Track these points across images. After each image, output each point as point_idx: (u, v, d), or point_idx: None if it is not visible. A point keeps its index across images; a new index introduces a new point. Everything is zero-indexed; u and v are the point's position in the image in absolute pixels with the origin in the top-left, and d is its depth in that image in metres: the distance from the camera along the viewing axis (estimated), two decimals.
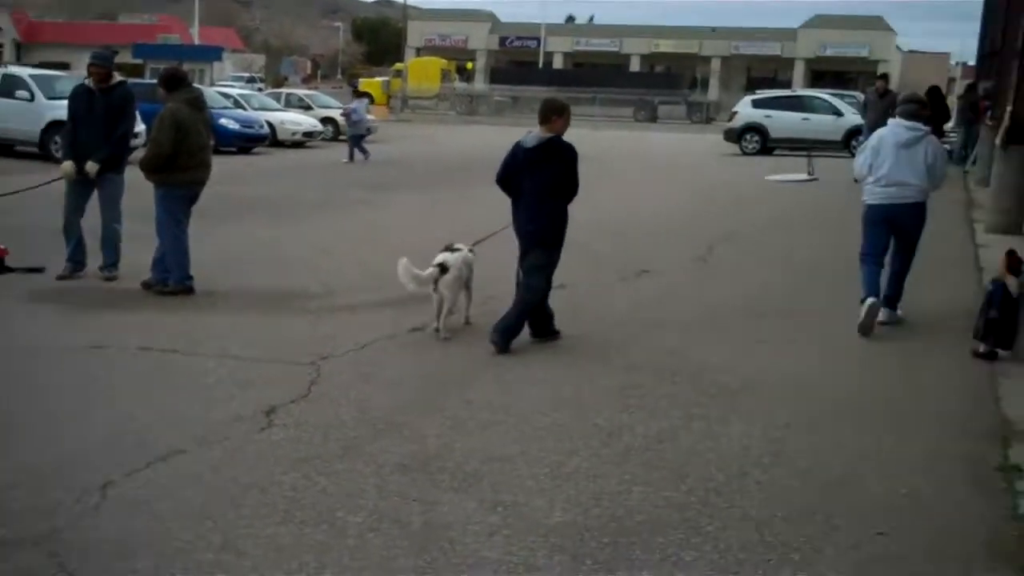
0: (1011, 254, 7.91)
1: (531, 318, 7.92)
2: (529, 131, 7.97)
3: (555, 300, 9.41)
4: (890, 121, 8.92)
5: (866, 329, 8.28)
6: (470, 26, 79.81)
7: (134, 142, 10.69)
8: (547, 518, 4.72)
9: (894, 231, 8.66)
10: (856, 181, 9.35)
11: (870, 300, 8.35)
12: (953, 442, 5.80)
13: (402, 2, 76.10)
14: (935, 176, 8.59)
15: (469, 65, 69.22)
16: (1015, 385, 6.92)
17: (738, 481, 5.21)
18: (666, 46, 75.92)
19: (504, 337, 7.61)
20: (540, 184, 7.75)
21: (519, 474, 5.25)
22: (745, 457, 5.55)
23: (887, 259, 8.76)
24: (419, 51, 76.64)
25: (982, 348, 7.60)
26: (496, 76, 66.05)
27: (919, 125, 8.60)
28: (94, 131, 9.69)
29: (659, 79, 64.71)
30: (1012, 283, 7.65)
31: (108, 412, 6.01)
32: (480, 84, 67.02)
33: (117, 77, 9.97)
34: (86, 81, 10.05)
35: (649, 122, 54.07)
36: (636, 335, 8.26)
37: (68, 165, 9.80)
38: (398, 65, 65.77)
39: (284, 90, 37.80)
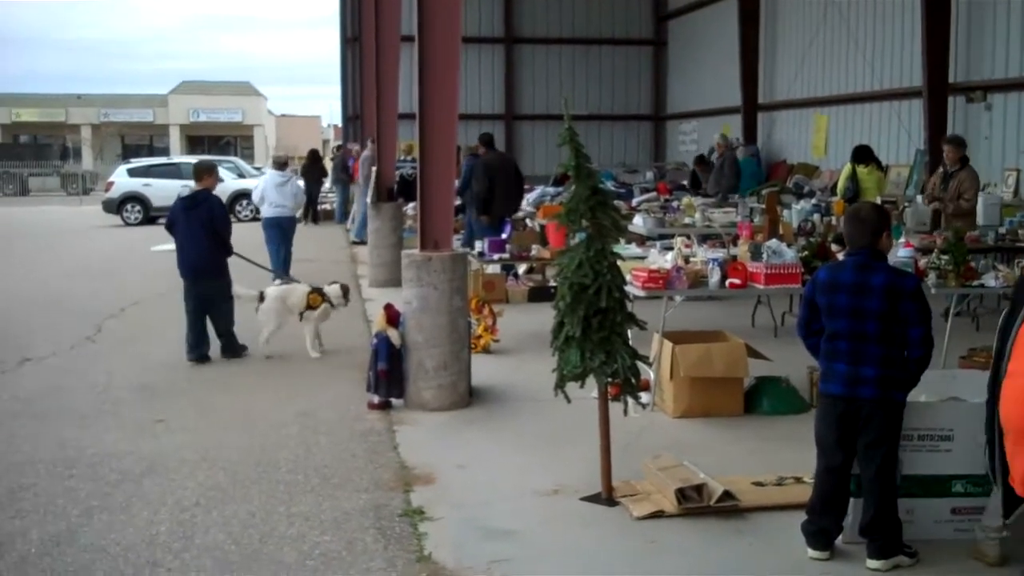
0: (388, 307, 8.43)
1: None
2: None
3: None
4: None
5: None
6: None
7: None
8: None
9: None
10: None
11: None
12: (360, 496, 6.04)
13: None
14: None
15: None
16: (410, 431, 7.39)
17: (148, 570, 5.00)
18: (29, 115, 71.71)
19: None
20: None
21: None
22: (154, 544, 5.35)
23: None
24: None
25: (376, 399, 8.02)
26: None
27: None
28: None
29: (26, 150, 60.98)
30: (394, 335, 8.15)
31: None
32: None
33: None
34: None
35: (20, 195, 50.67)
36: (23, 430, 7.63)
37: None
38: None
39: None
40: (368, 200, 16.60)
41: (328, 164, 30.06)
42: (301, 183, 25.47)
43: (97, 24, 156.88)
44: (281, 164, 16.40)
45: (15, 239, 25.69)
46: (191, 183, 29.08)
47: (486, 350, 9.92)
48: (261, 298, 10.30)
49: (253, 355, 10.21)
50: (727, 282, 8.46)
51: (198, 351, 10.08)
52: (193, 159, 34.56)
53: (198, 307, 10.17)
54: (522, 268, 14.03)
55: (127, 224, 28.51)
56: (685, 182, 22.64)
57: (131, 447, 7.11)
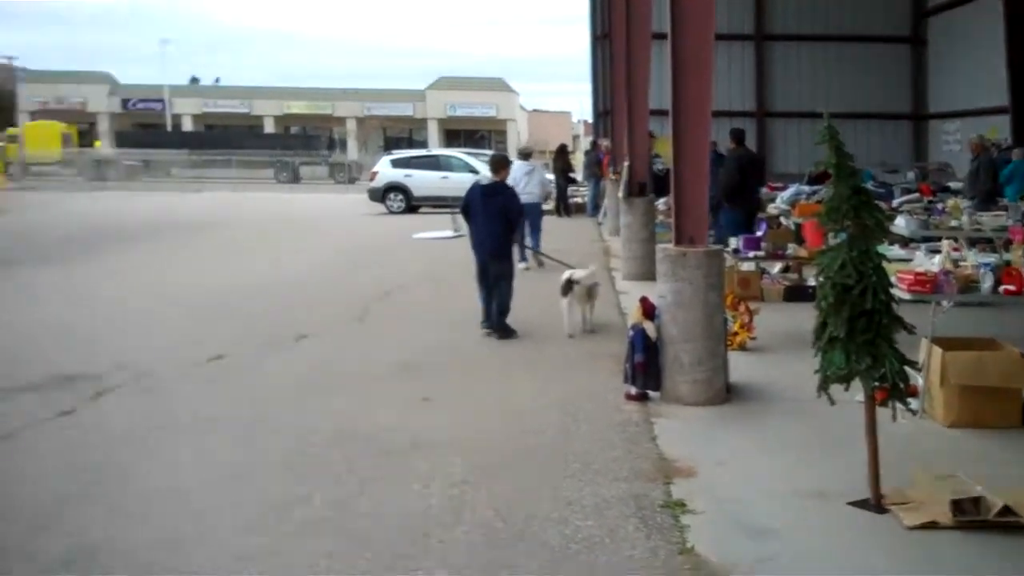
0: (644, 300, 8.49)
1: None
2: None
3: (213, 371, 9.18)
4: None
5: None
6: (88, 88, 76.03)
7: None
8: None
9: None
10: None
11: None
12: (620, 484, 6.11)
13: (7, 63, 71.55)
14: None
15: (97, 143, 65.68)
16: (668, 424, 7.41)
17: (422, 542, 5.24)
18: (298, 107, 75.89)
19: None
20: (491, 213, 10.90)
21: (195, 558, 5.02)
22: (426, 516, 5.59)
23: None
24: (33, 115, 72.11)
25: (633, 391, 8.09)
26: (123, 140, 63.24)
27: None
28: None
29: (297, 140, 64.34)
30: (650, 328, 8.20)
31: None
32: (107, 148, 63.86)
33: None
34: None
35: (292, 183, 53.76)
36: (302, 401, 8.14)
37: None
38: (11, 130, 61.58)
39: None
40: (620, 195, 16.77)
41: (580, 159, 30.47)
42: (550, 175, 26.01)
43: (363, 22, 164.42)
44: (525, 154, 17.44)
45: (290, 224, 27.33)
46: (449, 175, 30.19)
47: (742, 347, 9.80)
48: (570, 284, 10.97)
49: (519, 340, 10.58)
50: (1001, 288, 8.05)
51: (489, 322, 11.03)
52: (450, 152, 35.74)
53: (487, 284, 11.05)
54: (776, 267, 13.79)
55: (390, 212, 29.79)
56: (951, 184, 21.57)
57: (400, 423, 7.45)
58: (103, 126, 72.60)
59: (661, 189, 17.58)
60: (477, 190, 11.28)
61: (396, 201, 30.22)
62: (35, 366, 9.29)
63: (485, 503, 5.81)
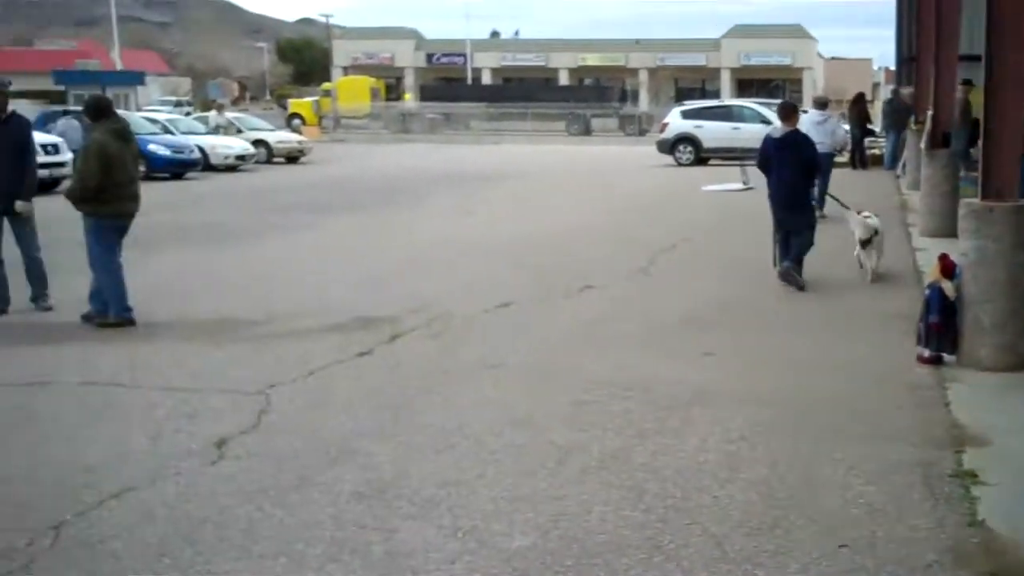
0: (944, 258, 8.02)
1: None
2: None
3: (500, 318, 9.47)
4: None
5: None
6: (395, 44, 79.70)
7: (62, 171, 10.54)
8: (508, 542, 4.70)
9: None
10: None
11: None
12: (907, 450, 5.86)
13: (324, 21, 75.88)
14: None
15: (407, 96, 68.80)
16: (963, 389, 7.02)
17: (696, 496, 5.23)
18: (593, 59, 76.48)
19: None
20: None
21: (477, 498, 5.22)
22: (701, 472, 5.57)
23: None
24: (346, 70, 76.35)
25: (927, 353, 7.70)
26: (426, 93, 65.96)
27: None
28: (2, 165, 9.39)
29: (589, 92, 64.94)
30: (948, 287, 7.76)
31: (56, 449, 5.87)
32: (411, 102, 66.80)
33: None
34: None
35: (583, 135, 54.37)
36: (584, 351, 8.27)
37: None
38: (326, 85, 65.47)
39: (211, 113, 37.41)
40: (922, 146, 15.90)
41: (879, 108, 29.07)
42: (845, 125, 24.94)
43: None
44: (821, 104, 17.07)
45: (580, 175, 27.70)
46: (741, 126, 29.60)
47: None
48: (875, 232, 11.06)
49: (807, 295, 10.36)
50: None
51: (784, 267, 10.93)
52: (743, 102, 34.99)
53: (785, 236, 10.96)
54: None
55: (679, 164, 29.57)
56: None
57: (680, 376, 7.44)
58: (408, 80, 75.89)
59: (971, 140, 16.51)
60: (770, 143, 11.15)
61: (685, 153, 29.93)
62: (341, 308, 9.90)
63: (762, 461, 5.72)
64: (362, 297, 10.50)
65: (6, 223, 9.60)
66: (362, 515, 4.98)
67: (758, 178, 21.73)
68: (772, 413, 6.59)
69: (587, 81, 74.78)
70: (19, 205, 9.45)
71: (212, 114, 34.30)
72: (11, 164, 9.42)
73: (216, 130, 31.42)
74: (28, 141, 9.75)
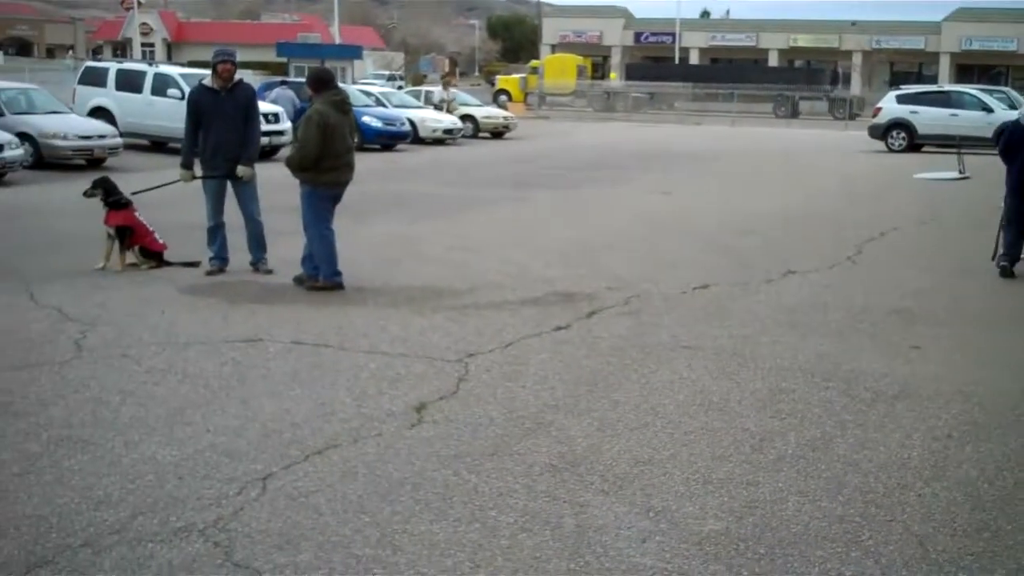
0: None
1: None
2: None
3: (698, 300, 9.37)
4: None
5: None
6: (604, 22, 79.47)
7: (281, 139, 10.99)
8: (700, 525, 4.65)
9: None
10: None
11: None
12: None
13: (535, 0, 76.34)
14: None
15: (613, 76, 68.58)
16: None
17: (898, 493, 5.05)
18: (805, 40, 74.32)
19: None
20: None
21: (670, 478, 5.19)
22: (905, 468, 5.38)
23: None
24: (554, 48, 76.73)
25: None
26: (632, 72, 65.62)
27: None
28: (227, 131, 9.89)
29: (799, 74, 63.15)
30: None
31: (265, 404, 6.15)
32: (616, 80, 66.59)
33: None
34: (204, 81, 10.28)
35: (790, 118, 53.05)
36: (784, 338, 8.08)
37: (186, 173, 10.12)
38: (534, 62, 65.99)
39: (424, 88, 38.21)
40: None
41: None
42: None
43: None
44: None
45: (785, 158, 27.06)
46: (959, 112, 28.33)
47: None
48: None
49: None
50: None
51: (1005, 259, 10.74)
52: (963, 88, 33.37)
53: (1018, 230, 10.70)
54: None
55: (891, 150, 28.52)
56: None
57: (886, 368, 7.19)
58: (615, 59, 75.66)
59: None
60: (1018, 131, 10.78)
61: (898, 139, 28.82)
62: (539, 282, 10.00)
63: (970, 461, 5.47)
64: (561, 272, 10.57)
65: (229, 187, 10.10)
66: (554, 487, 5.03)
67: (977, 167, 20.84)
68: (982, 412, 6.30)
69: (798, 63, 72.80)
70: (241, 170, 9.93)
71: (438, 88, 35.01)
72: (236, 130, 9.91)
73: (441, 104, 32.08)
74: (253, 109, 10.20)
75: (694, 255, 11.88)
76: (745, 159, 27.03)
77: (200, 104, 9.99)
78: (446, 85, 35.46)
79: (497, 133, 34.20)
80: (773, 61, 73.51)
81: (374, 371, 6.90)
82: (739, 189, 19.53)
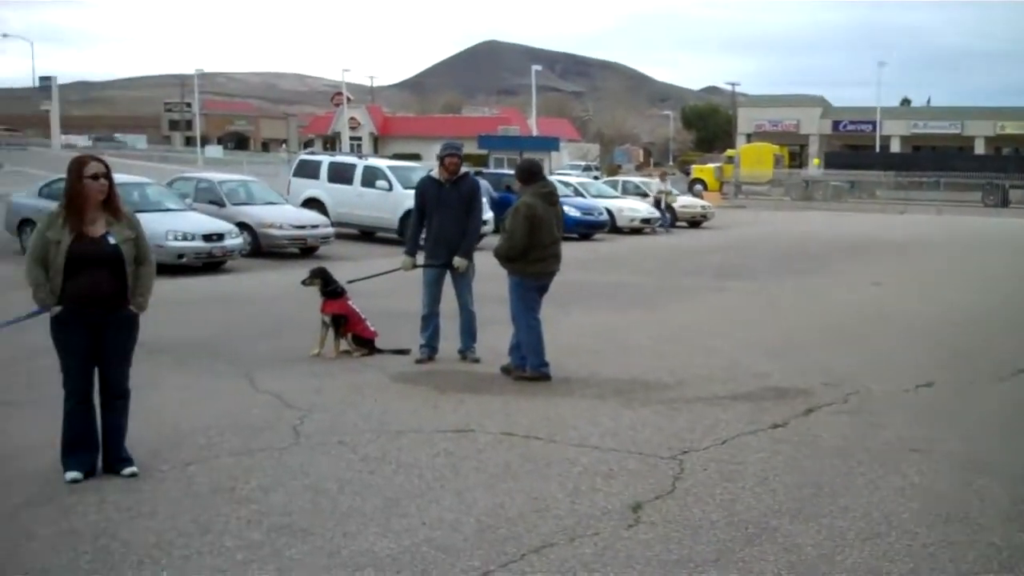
0: None
1: None
2: None
3: (923, 398, 8.87)
4: None
5: None
6: (801, 111, 78.53)
7: (483, 228, 11.10)
8: None
9: None
10: None
11: None
12: None
13: (730, 89, 76.20)
14: None
15: (816, 161, 67.34)
16: None
17: None
18: (1013, 127, 71.45)
19: None
20: None
21: None
22: None
23: None
24: (749, 137, 76.21)
25: None
26: (831, 160, 64.33)
27: None
28: (448, 222, 10.04)
29: (1008, 162, 60.47)
30: None
31: (479, 498, 6.07)
32: (814, 170, 65.40)
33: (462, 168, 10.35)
34: (432, 173, 10.51)
35: (1000, 207, 50.71)
36: (1016, 440, 7.52)
37: (408, 261, 10.28)
38: (730, 151, 65.56)
39: (620, 178, 38.34)
40: None
41: None
42: None
43: None
44: None
45: (999, 248, 25.80)
46: None
47: None
48: None
49: None
50: None
51: None
52: None
53: None
54: None
55: None
56: None
57: None
58: (813, 148, 74.50)
59: None
60: None
61: None
62: (751, 376, 9.69)
63: None
64: (772, 366, 10.22)
65: (448, 276, 10.23)
66: None
67: None
68: None
69: (1005, 150, 69.89)
70: (457, 261, 10.04)
71: (656, 181, 34.96)
72: (458, 221, 10.06)
73: (659, 195, 32.02)
74: (476, 201, 10.33)
75: (912, 350, 11.32)
76: (956, 248, 25.91)
77: (426, 195, 10.22)
78: (663, 176, 35.26)
79: (695, 222, 33.95)
80: (979, 149, 70.87)
81: (586, 466, 6.74)
82: (954, 279, 18.67)
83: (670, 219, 32.03)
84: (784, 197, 56.53)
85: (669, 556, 5.23)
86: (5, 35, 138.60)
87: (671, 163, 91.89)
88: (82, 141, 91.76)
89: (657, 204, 31.87)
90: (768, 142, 68.34)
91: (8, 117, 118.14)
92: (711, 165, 63.10)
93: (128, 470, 6.33)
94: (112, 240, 6.18)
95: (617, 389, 9.10)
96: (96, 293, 6.15)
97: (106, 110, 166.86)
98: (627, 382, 9.42)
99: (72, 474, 6.20)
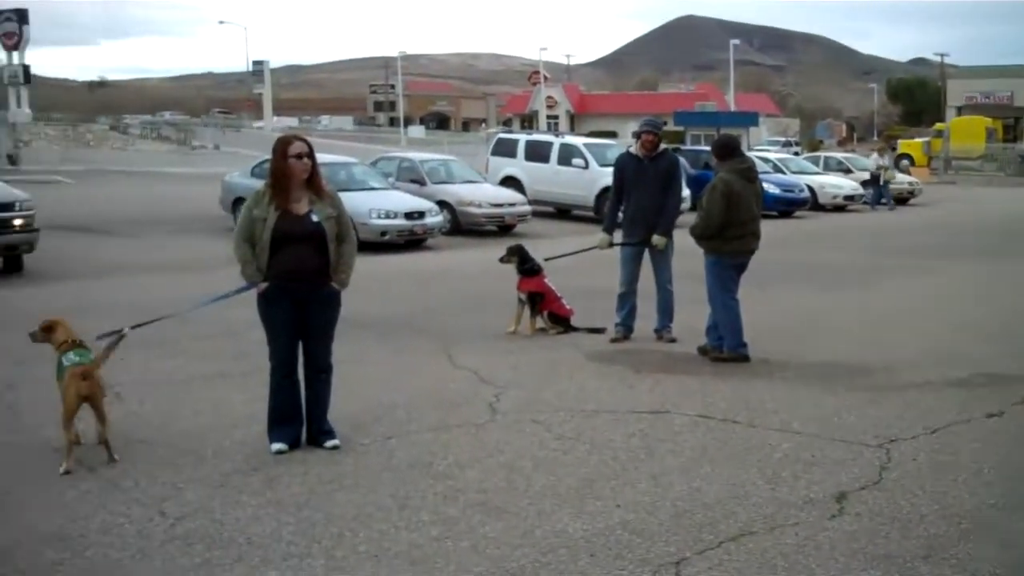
0: None
1: None
2: None
3: None
4: None
5: None
6: (1015, 82, 74.11)
7: (681, 206, 10.91)
8: None
9: None
10: None
11: None
12: None
13: (939, 60, 72.65)
14: None
15: None
16: None
17: None
18: None
19: None
20: None
21: None
22: None
23: None
24: (960, 110, 72.49)
25: None
26: None
27: None
28: (646, 199, 9.88)
29: None
30: None
31: (675, 482, 5.96)
32: None
33: (661, 145, 10.13)
34: (630, 149, 10.36)
35: None
36: None
37: (604, 238, 10.17)
38: (939, 125, 62.59)
39: (822, 153, 37.19)
40: None
41: None
42: None
43: None
44: None
45: None
46: None
47: None
48: None
49: None
50: None
51: None
52: None
53: None
54: None
55: None
56: None
57: None
58: None
59: None
60: None
61: None
62: (963, 362, 9.19)
63: None
64: (985, 351, 9.69)
65: (646, 254, 10.10)
66: None
67: None
68: None
69: None
70: (656, 239, 9.88)
71: (874, 155, 33.76)
72: (656, 198, 9.90)
73: (878, 171, 30.93)
74: (675, 179, 10.13)
75: None
76: None
77: (624, 171, 10.11)
78: (881, 152, 33.83)
79: (902, 199, 32.58)
80: None
81: (787, 452, 6.52)
82: None
83: (889, 197, 30.68)
84: (998, 173, 53.57)
85: (875, 550, 4.99)
86: (221, 22, 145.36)
87: (875, 138, 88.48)
88: (292, 122, 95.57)
89: (875, 180, 30.64)
90: (980, 115, 64.88)
91: (224, 101, 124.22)
92: (918, 140, 60.40)
93: (331, 443, 6.50)
94: (315, 218, 6.34)
95: (819, 372, 8.80)
96: (300, 269, 6.33)
97: (315, 92, 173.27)
98: (830, 365, 9.09)
99: (277, 445, 6.42)
